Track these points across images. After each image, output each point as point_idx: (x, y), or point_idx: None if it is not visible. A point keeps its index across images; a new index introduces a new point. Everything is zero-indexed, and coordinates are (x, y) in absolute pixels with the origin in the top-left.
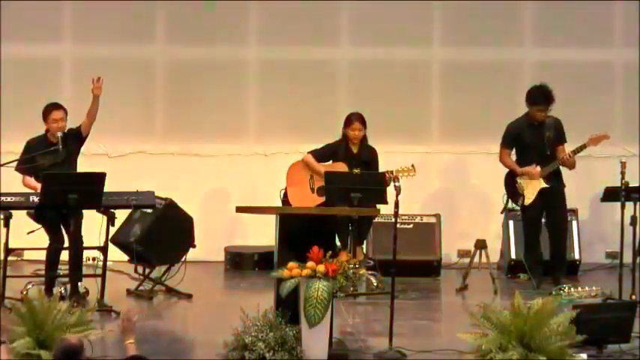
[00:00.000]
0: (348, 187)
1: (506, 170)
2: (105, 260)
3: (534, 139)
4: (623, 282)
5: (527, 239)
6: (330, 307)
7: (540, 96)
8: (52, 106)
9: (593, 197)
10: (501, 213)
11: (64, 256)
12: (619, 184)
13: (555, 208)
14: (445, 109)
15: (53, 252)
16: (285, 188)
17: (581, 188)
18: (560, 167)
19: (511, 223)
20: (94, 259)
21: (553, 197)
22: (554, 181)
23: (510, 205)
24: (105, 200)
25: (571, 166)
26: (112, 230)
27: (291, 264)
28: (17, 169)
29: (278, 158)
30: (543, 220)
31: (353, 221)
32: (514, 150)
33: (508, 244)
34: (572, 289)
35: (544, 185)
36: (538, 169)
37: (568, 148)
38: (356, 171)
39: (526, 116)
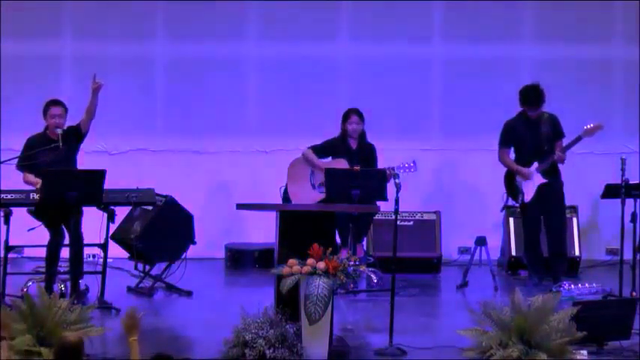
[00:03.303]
0: (348, 183)
1: (506, 169)
2: (105, 257)
3: (531, 136)
4: (623, 279)
5: (527, 238)
6: (330, 304)
7: (530, 96)
8: (51, 103)
9: (594, 194)
10: (501, 211)
11: (65, 253)
12: (619, 181)
13: (553, 206)
14: (445, 105)
15: (53, 249)
16: (286, 185)
17: (581, 185)
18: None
19: (511, 220)
20: (94, 256)
21: (551, 195)
22: (552, 177)
23: (510, 202)
24: (105, 197)
25: (561, 161)
26: (112, 227)
27: (291, 261)
28: (18, 166)
29: (278, 155)
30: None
31: (353, 218)
32: (512, 148)
33: (508, 240)
34: (573, 286)
35: (542, 180)
36: (532, 170)
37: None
38: (356, 168)
39: (521, 114)
